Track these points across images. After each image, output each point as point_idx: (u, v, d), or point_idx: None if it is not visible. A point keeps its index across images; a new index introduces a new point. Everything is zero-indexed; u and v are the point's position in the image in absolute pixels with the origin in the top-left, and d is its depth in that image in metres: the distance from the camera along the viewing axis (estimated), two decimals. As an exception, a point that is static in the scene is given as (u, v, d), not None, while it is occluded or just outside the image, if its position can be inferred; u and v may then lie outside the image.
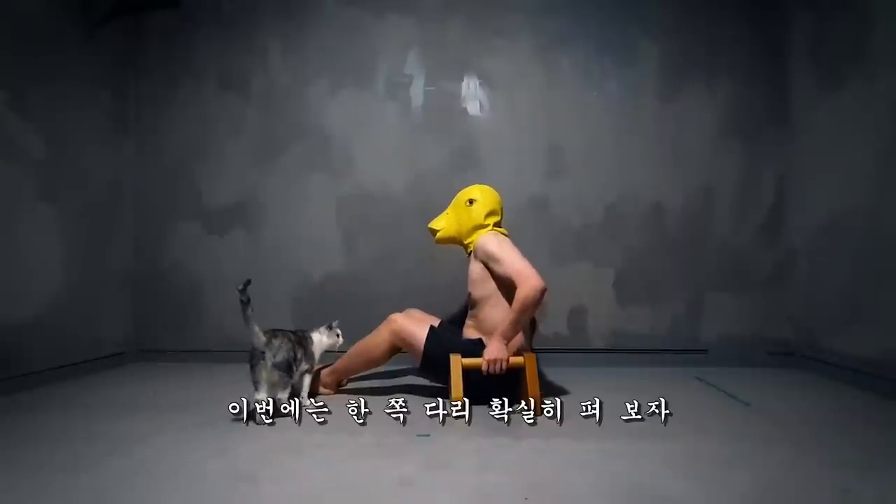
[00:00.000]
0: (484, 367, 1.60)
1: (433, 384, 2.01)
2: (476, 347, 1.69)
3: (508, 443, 1.36)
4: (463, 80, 2.46)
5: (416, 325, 1.77)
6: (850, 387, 1.91)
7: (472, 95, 2.46)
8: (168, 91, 2.56)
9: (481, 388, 1.62)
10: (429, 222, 2.41)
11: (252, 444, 1.37)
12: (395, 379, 2.11)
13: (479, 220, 1.81)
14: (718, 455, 1.25)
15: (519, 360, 1.63)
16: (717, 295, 2.36)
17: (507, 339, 1.63)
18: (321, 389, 1.89)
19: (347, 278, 2.47)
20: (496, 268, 1.70)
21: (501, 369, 1.60)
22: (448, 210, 1.91)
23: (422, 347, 1.74)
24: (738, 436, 1.39)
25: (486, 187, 1.87)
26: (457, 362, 1.63)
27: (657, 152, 2.38)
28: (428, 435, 1.42)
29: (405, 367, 2.27)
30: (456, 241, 1.89)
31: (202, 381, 2.11)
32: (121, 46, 2.51)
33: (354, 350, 1.86)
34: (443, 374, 1.68)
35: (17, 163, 1.98)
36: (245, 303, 1.50)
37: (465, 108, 2.46)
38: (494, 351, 1.60)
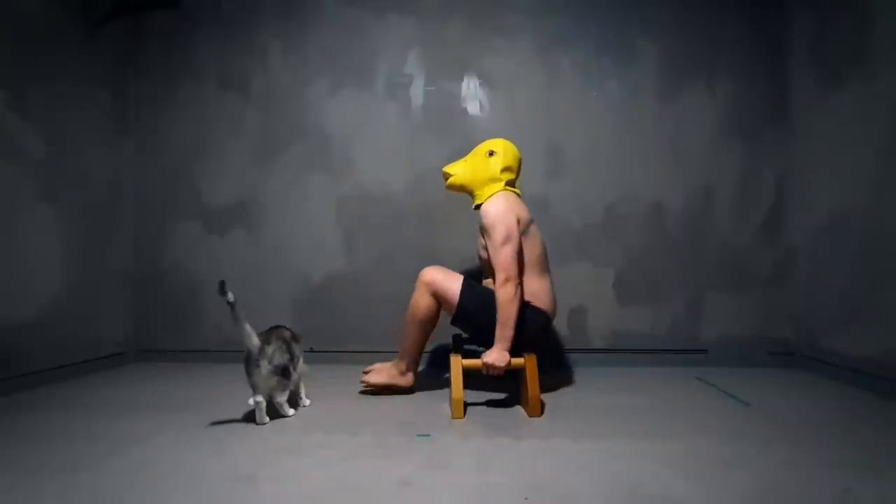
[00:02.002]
0: (484, 371, 1.61)
1: (432, 384, 2.02)
2: None
3: (508, 443, 1.36)
4: (463, 80, 2.46)
5: (447, 276, 1.78)
6: (850, 387, 1.91)
7: (472, 95, 2.46)
8: (168, 91, 2.56)
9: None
10: (429, 222, 2.43)
11: (252, 444, 1.37)
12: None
13: (495, 173, 1.81)
14: (718, 455, 1.25)
15: (519, 361, 1.63)
16: (717, 295, 2.36)
17: (507, 340, 1.62)
18: (397, 382, 1.84)
19: (347, 278, 2.47)
20: (485, 238, 1.73)
21: (499, 375, 1.62)
22: (466, 158, 1.91)
23: (456, 298, 1.74)
24: (738, 436, 1.39)
25: (508, 142, 1.87)
26: (457, 363, 1.64)
27: (657, 152, 2.38)
28: (428, 435, 1.42)
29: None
30: (466, 190, 1.89)
31: (202, 381, 2.11)
32: (121, 46, 2.51)
33: (403, 324, 1.84)
34: (476, 325, 1.74)
35: (17, 163, 1.98)
36: (232, 304, 1.46)
37: (465, 108, 2.46)
38: (494, 357, 1.60)
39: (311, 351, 2.45)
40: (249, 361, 1.50)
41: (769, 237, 2.35)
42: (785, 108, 2.35)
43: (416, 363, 1.87)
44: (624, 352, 2.36)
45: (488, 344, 1.71)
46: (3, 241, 1.92)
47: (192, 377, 2.18)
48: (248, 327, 1.50)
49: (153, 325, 2.56)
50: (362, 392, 1.86)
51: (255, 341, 1.50)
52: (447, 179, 1.91)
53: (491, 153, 1.83)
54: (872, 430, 1.43)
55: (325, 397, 1.83)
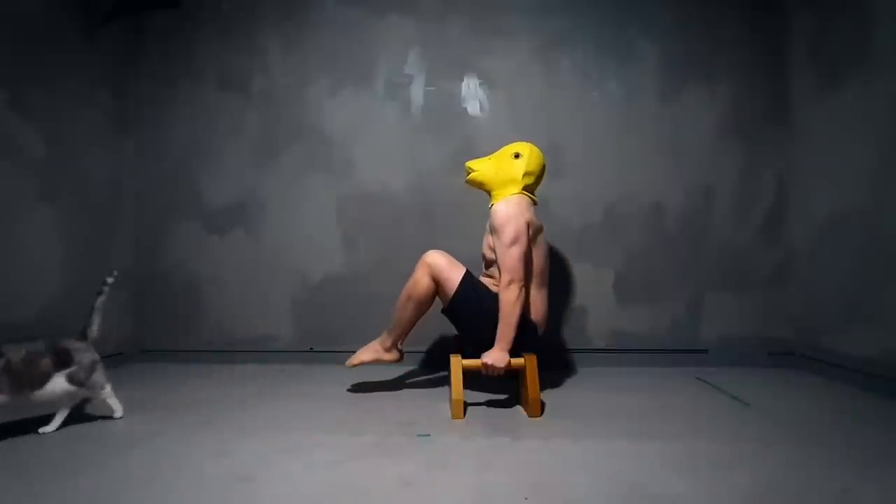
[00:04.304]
0: (483, 371, 1.61)
1: (432, 384, 2.02)
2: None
3: (508, 443, 1.36)
4: (463, 80, 2.46)
5: (450, 264, 1.77)
6: (850, 387, 1.91)
7: (472, 95, 2.46)
8: (168, 91, 2.56)
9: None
10: (429, 222, 2.43)
11: (251, 444, 1.37)
12: (396, 379, 2.11)
13: (517, 175, 1.82)
14: (718, 455, 1.25)
15: (519, 361, 1.63)
16: (717, 295, 2.35)
17: (508, 341, 1.62)
18: (382, 357, 1.85)
19: (347, 278, 2.47)
20: (493, 240, 1.73)
21: (499, 375, 1.62)
22: (491, 156, 1.91)
23: (453, 288, 1.73)
24: (738, 436, 1.39)
25: (535, 148, 1.87)
26: (457, 363, 1.64)
27: (657, 152, 2.38)
28: (428, 435, 1.42)
29: (406, 366, 2.28)
30: (485, 188, 1.89)
31: (202, 381, 2.11)
32: (121, 46, 2.51)
33: (399, 300, 1.82)
34: (465, 321, 1.75)
35: (17, 163, 1.98)
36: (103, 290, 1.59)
37: (465, 108, 2.46)
38: (494, 357, 1.60)
39: (311, 351, 2.46)
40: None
41: (769, 237, 2.35)
42: (785, 108, 2.35)
43: (402, 341, 1.88)
44: (624, 352, 2.36)
45: (473, 343, 1.74)
46: (3, 241, 1.92)
47: (192, 377, 2.18)
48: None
49: (153, 325, 2.56)
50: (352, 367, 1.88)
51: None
52: (468, 174, 1.91)
53: (517, 156, 1.83)
54: (872, 430, 1.43)
55: (324, 397, 1.83)
